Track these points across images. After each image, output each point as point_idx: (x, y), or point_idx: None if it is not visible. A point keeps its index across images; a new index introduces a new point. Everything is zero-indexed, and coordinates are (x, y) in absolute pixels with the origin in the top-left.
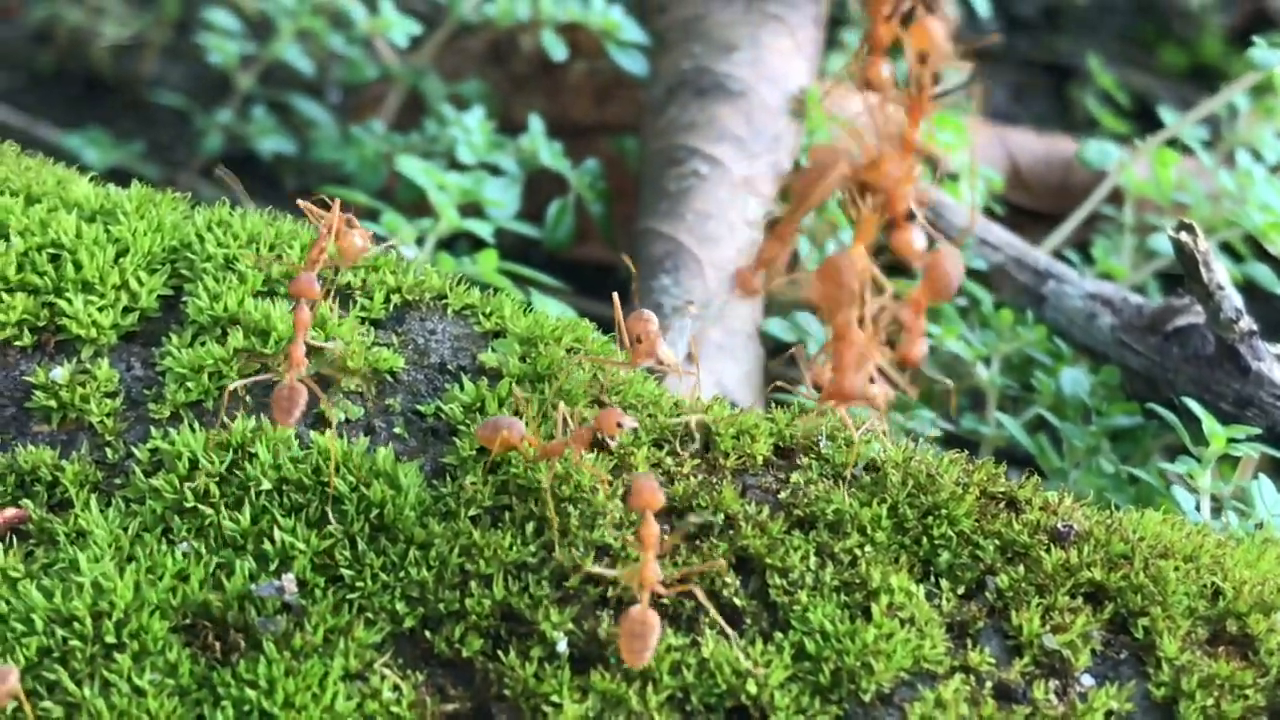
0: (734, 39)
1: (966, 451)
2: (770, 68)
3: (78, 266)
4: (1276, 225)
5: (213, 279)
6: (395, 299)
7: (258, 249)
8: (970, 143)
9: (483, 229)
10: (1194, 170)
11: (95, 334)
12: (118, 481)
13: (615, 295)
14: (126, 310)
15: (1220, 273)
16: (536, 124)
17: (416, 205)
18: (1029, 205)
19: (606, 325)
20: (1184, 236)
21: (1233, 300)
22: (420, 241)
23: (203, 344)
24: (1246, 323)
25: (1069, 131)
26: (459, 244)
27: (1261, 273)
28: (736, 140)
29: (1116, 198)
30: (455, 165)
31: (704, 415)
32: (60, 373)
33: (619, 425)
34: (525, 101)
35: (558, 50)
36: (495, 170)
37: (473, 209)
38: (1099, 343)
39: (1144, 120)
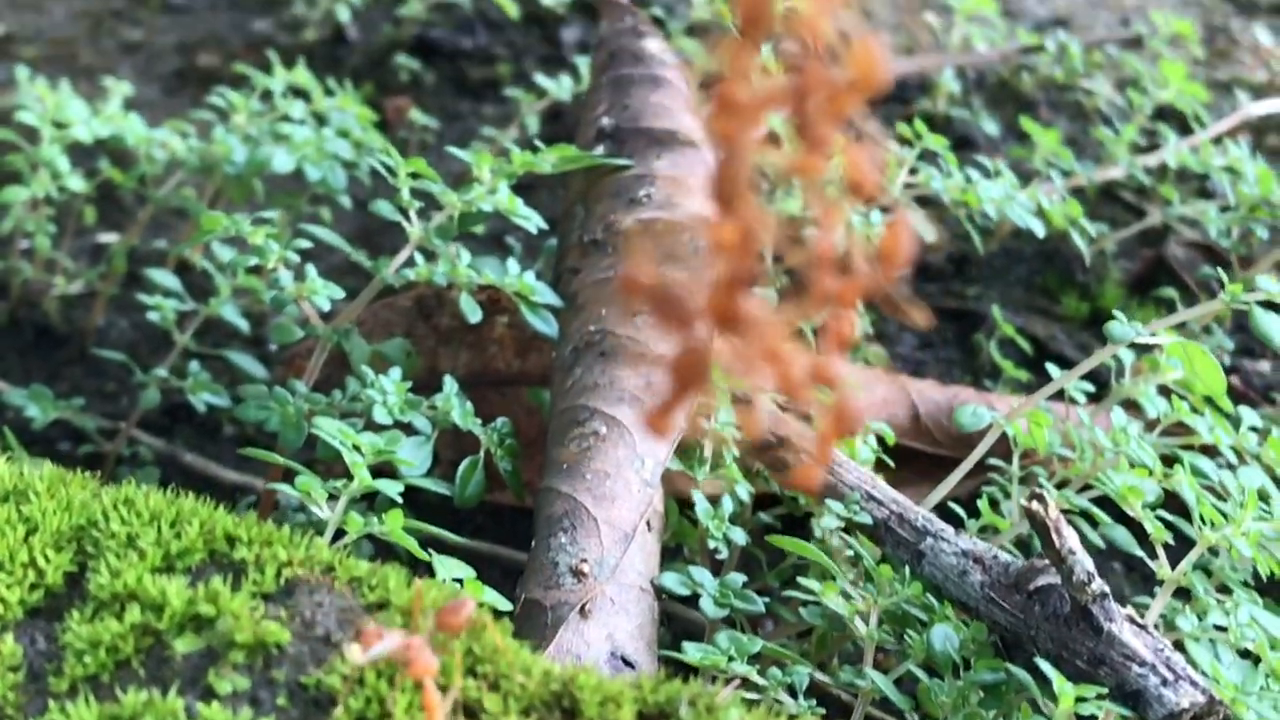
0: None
1: (825, 711)
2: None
3: None
4: (1134, 489)
5: (114, 555)
6: (286, 573)
7: (159, 526)
8: (870, 393)
9: (391, 489)
10: (1079, 421)
11: (3, 611)
12: None
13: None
14: (33, 587)
15: (1071, 538)
16: (450, 384)
17: (338, 462)
18: (931, 451)
19: (515, 571)
20: (1035, 506)
21: (1084, 564)
22: (334, 500)
23: (102, 620)
24: (1098, 585)
25: (975, 376)
26: (378, 498)
27: (1120, 535)
28: (635, 401)
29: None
30: (373, 425)
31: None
32: None
33: None
34: (451, 353)
35: (474, 313)
36: (410, 429)
37: (388, 467)
38: (970, 599)
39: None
